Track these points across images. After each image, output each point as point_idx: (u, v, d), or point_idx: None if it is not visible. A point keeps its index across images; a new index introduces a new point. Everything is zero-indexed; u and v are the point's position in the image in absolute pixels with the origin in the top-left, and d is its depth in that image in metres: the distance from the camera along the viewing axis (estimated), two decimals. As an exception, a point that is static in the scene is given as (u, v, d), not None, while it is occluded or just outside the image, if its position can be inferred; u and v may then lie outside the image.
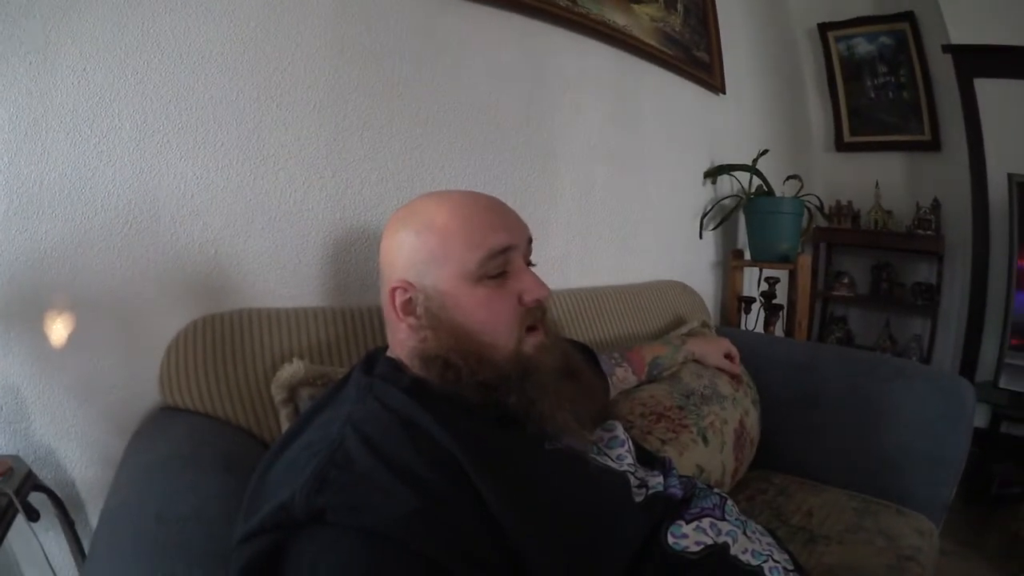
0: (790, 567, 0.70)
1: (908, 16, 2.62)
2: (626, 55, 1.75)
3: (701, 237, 2.15)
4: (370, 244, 1.14)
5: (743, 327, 2.24)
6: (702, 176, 2.16)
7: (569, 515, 0.61)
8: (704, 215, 2.14)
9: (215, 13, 0.95)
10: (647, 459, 0.81)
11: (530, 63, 1.47)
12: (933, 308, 2.68)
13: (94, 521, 0.86)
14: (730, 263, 2.27)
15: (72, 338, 0.84)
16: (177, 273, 0.93)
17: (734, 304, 2.25)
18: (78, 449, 0.86)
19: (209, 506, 0.64)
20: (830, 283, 3.00)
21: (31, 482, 0.75)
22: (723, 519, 0.72)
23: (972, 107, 2.42)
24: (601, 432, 0.79)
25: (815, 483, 1.32)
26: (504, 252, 0.68)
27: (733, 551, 0.67)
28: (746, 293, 2.28)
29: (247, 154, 1.00)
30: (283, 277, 1.05)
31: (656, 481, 0.74)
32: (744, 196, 2.18)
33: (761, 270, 2.27)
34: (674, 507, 0.72)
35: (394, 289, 0.69)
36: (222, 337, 0.89)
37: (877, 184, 2.83)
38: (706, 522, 0.70)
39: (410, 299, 0.69)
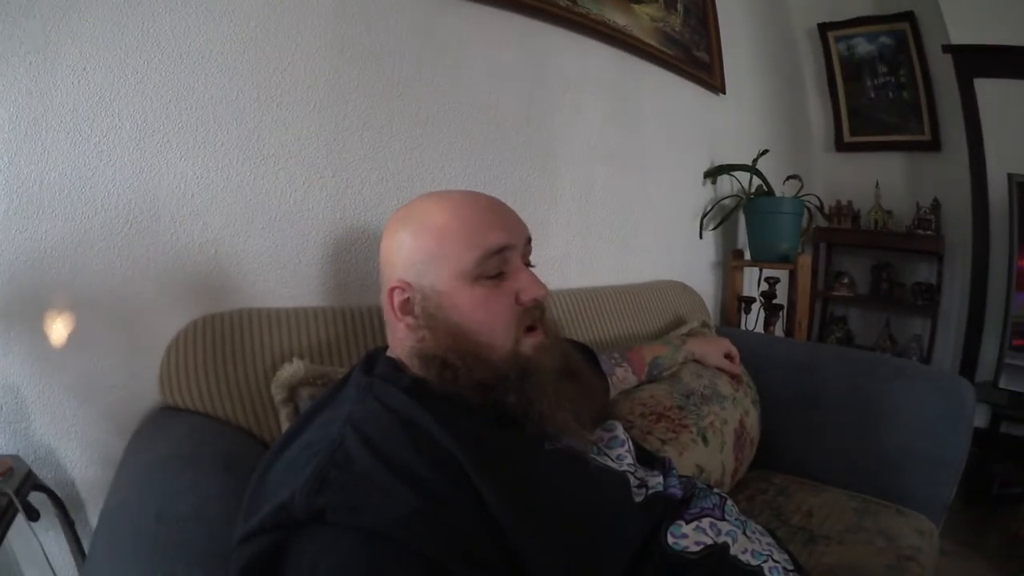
0: (790, 567, 0.70)
1: (908, 16, 2.62)
2: (626, 55, 1.75)
3: (701, 237, 2.15)
4: (370, 244, 1.14)
5: (743, 327, 2.24)
6: (702, 176, 2.16)
7: (569, 515, 0.61)
8: (704, 215, 2.14)
9: (215, 13, 0.95)
10: (647, 459, 0.81)
11: (530, 63, 1.47)
12: (933, 308, 2.68)
13: (94, 521, 0.86)
14: (730, 263, 2.27)
15: (72, 338, 0.84)
16: (177, 273, 0.93)
17: (734, 304, 2.25)
18: (78, 449, 0.87)
19: (209, 506, 0.64)
20: (830, 283, 3.00)
21: (31, 482, 0.75)
22: (723, 519, 0.72)
23: (972, 107, 2.42)
24: (601, 432, 0.79)
25: (815, 483, 1.32)
26: (501, 252, 0.68)
27: (733, 551, 0.67)
28: (746, 293, 2.28)
29: (247, 154, 1.00)
30: (283, 277, 1.05)
31: (656, 481, 0.74)
32: (744, 196, 2.18)
33: (761, 270, 2.27)
34: (674, 507, 0.72)
35: (392, 289, 0.70)
36: (222, 337, 0.89)
37: (877, 184, 2.83)
38: (706, 522, 0.70)
39: (408, 299, 0.69)
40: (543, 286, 0.71)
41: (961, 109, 2.45)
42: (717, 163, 2.19)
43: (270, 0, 1.01)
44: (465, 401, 0.64)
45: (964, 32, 2.39)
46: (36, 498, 0.76)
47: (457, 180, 1.30)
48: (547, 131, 1.52)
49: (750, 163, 2.12)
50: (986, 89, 2.39)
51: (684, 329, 1.52)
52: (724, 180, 2.25)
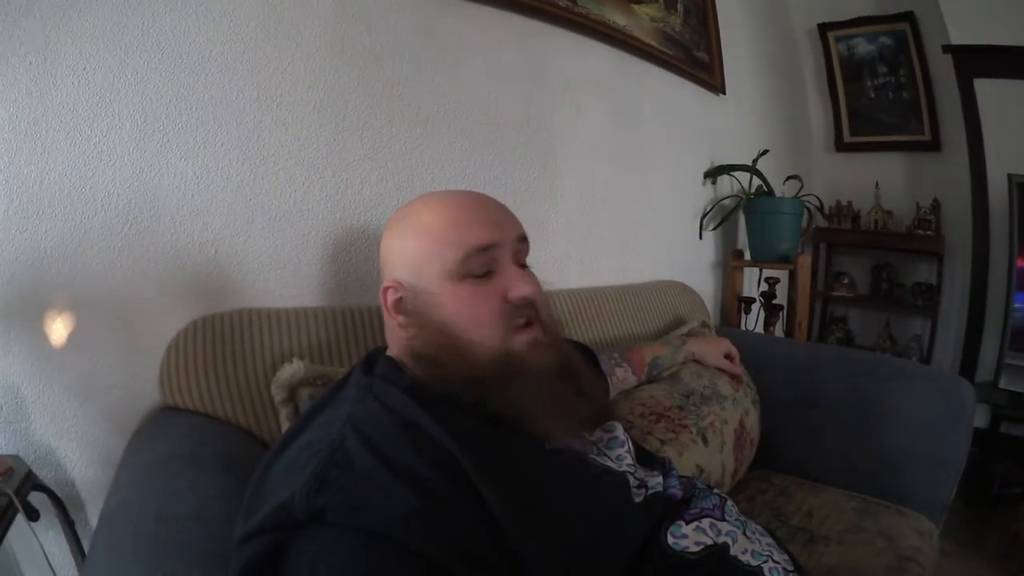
0: (790, 567, 0.70)
1: (908, 16, 2.62)
2: (626, 55, 1.75)
3: (701, 237, 2.16)
4: (370, 244, 1.14)
5: (743, 327, 2.24)
6: (702, 176, 2.16)
7: (568, 515, 0.61)
8: (704, 215, 2.14)
9: (215, 13, 0.95)
10: (647, 459, 0.81)
11: (530, 63, 1.47)
12: (933, 308, 2.68)
13: (94, 521, 0.86)
14: (730, 263, 2.27)
15: (72, 338, 0.84)
16: (177, 273, 0.93)
17: (734, 304, 2.25)
18: (78, 449, 0.86)
19: (209, 506, 0.64)
20: (830, 283, 3.00)
21: (31, 482, 0.75)
22: (723, 519, 0.72)
23: (972, 107, 2.42)
24: (600, 432, 0.79)
25: (815, 483, 1.32)
26: (487, 250, 0.68)
27: (733, 551, 0.67)
28: (746, 293, 2.28)
29: (247, 154, 1.00)
30: (283, 277, 1.05)
31: (656, 481, 0.74)
32: (744, 196, 2.18)
33: (761, 270, 2.27)
34: (674, 507, 0.72)
35: (386, 288, 0.72)
36: (222, 337, 0.89)
37: (877, 184, 2.83)
38: (706, 522, 0.70)
39: (401, 298, 0.70)
40: (533, 284, 0.70)
41: (961, 109, 2.45)
42: (717, 163, 2.19)
43: (270, 0, 1.01)
44: (462, 400, 0.64)
45: (964, 32, 2.39)
46: (36, 498, 0.76)
47: (457, 180, 1.30)
48: (547, 131, 1.52)
49: (750, 163, 2.12)
50: (986, 89, 2.39)
51: (684, 329, 1.52)
52: (724, 180, 2.25)
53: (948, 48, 2.42)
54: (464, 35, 1.32)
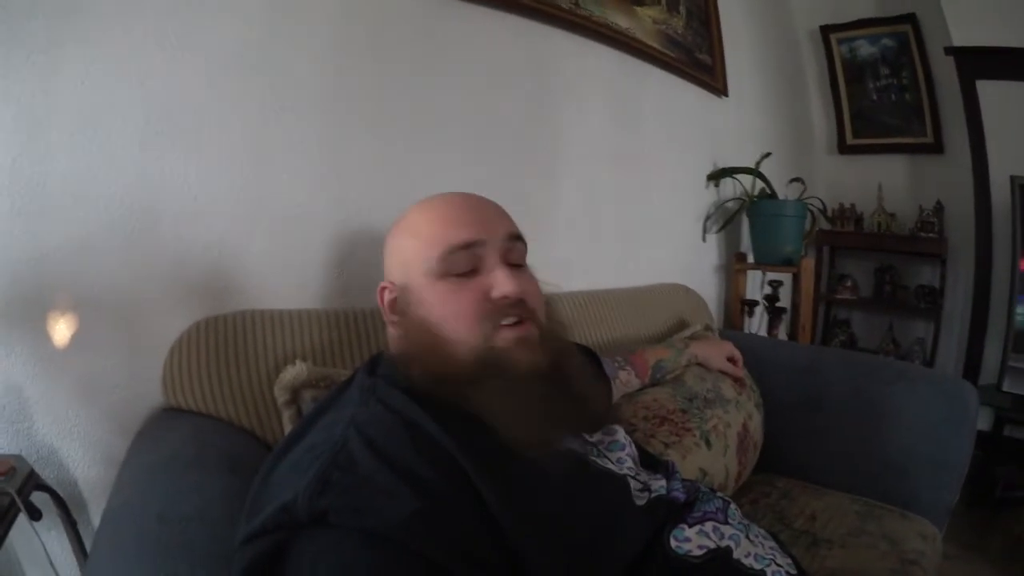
0: (793, 571, 0.69)
1: (910, 18, 2.62)
2: (628, 57, 1.75)
3: (704, 240, 2.15)
4: (373, 246, 1.13)
5: (746, 330, 2.24)
6: (705, 178, 2.16)
7: (568, 516, 0.61)
8: (707, 218, 2.14)
9: (219, 14, 0.95)
10: (650, 463, 0.81)
11: (533, 65, 1.47)
12: (936, 311, 2.67)
13: (96, 521, 0.86)
14: (733, 266, 2.27)
15: (75, 338, 0.84)
16: (180, 274, 0.93)
17: (737, 307, 2.24)
18: (81, 449, 0.86)
19: (212, 507, 0.64)
20: (833, 286, 3.00)
21: (33, 481, 0.75)
22: (726, 523, 0.72)
23: (974, 109, 2.42)
24: (601, 435, 0.79)
25: (818, 487, 1.32)
26: (469, 248, 0.69)
27: (736, 555, 0.67)
28: (749, 296, 2.28)
29: (250, 155, 1.00)
30: (286, 278, 1.05)
31: (659, 485, 0.74)
32: (747, 199, 2.18)
33: (764, 273, 2.26)
34: (677, 511, 0.71)
35: (382, 289, 0.75)
36: (225, 338, 0.89)
37: (880, 187, 2.83)
38: (709, 526, 0.70)
39: (396, 298, 0.72)
40: (519, 282, 0.69)
41: (963, 111, 2.45)
42: (720, 165, 2.19)
43: (274, 3, 1.02)
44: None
45: (966, 34, 2.39)
46: (38, 498, 0.76)
47: (459, 182, 1.28)
48: (549, 133, 1.52)
49: (752, 165, 2.12)
50: (988, 91, 2.39)
51: (687, 332, 1.52)
52: (727, 182, 2.25)
53: (950, 50, 2.42)
54: (467, 37, 1.32)
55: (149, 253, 0.90)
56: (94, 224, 0.85)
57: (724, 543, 0.68)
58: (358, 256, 1.13)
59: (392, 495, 0.51)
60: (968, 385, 1.34)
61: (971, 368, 2.50)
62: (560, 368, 0.70)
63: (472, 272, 0.69)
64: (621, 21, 1.69)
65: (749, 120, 2.44)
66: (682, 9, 1.97)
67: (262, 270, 1.02)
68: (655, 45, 1.83)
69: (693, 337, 1.46)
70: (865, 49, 2.80)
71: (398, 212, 0.79)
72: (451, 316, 0.67)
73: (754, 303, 2.24)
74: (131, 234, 0.88)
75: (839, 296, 2.96)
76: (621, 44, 1.70)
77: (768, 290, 2.19)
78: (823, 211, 2.35)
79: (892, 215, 2.81)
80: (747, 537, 0.71)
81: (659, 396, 1.17)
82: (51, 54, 0.80)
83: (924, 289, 2.75)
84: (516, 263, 0.73)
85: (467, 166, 1.33)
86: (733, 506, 0.77)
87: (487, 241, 0.70)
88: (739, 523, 0.73)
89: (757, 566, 0.67)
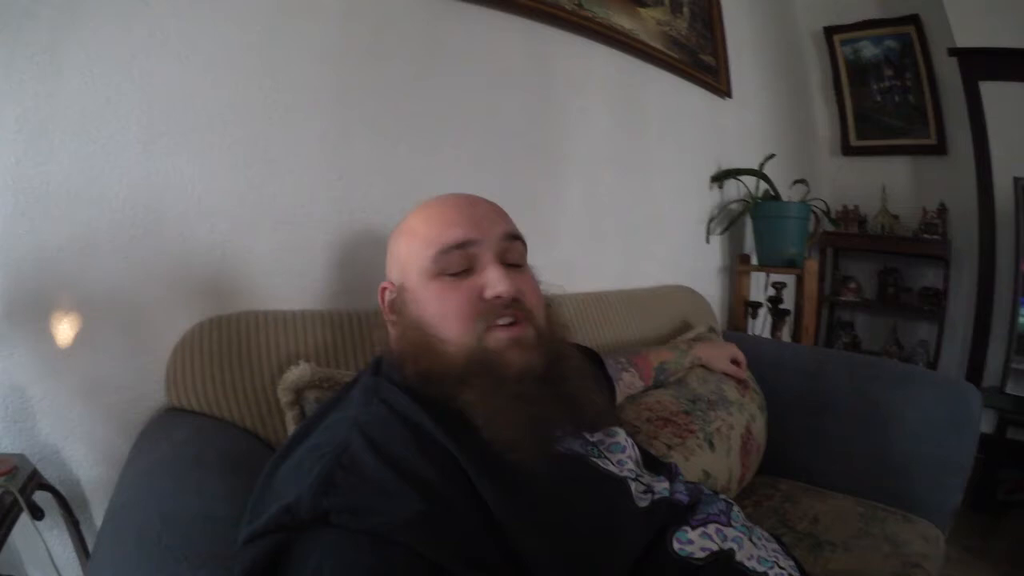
0: (796, 574, 0.69)
1: (913, 19, 2.62)
2: (632, 59, 1.75)
3: (708, 241, 2.15)
4: (376, 247, 1.13)
5: (750, 332, 2.23)
6: (708, 180, 2.16)
7: (569, 517, 0.61)
8: (711, 219, 2.14)
9: (222, 15, 0.96)
10: (653, 465, 0.81)
11: (536, 67, 1.47)
12: (940, 313, 2.66)
13: (98, 520, 0.86)
14: (737, 268, 2.27)
15: (78, 338, 0.84)
16: (184, 274, 0.93)
17: (741, 309, 2.24)
18: (83, 448, 0.87)
19: (214, 507, 0.64)
20: (837, 288, 2.99)
21: (36, 481, 0.76)
22: (729, 525, 0.71)
23: (978, 110, 2.41)
24: (602, 436, 0.79)
25: (821, 489, 1.32)
26: (462, 248, 0.69)
27: (739, 557, 0.67)
28: (753, 298, 2.28)
29: (254, 156, 1.00)
30: (290, 279, 1.05)
31: (662, 487, 0.74)
32: (751, 200, 2.18)
33: (768, 275, 2.26)
34: (680, 513, 0.71)
35: (382, 289, 0.76)
36: (228, 339, 0.89)
37: (883, 188, 2.82)
38: (712, 528, 0.69)
39: (395, 298, 0.73)
40: (513, 282, 0.68)
41: (967, 112, 2.44)
42: (723, 167, 2.18)
43: (278, 3, 1.02)
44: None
45: (970, 35, 2.38)
46: (41, 497, 0.76)
47: (462, 183, 1.29)
48: (553, 134, 1.52)
49: (756, 167, 2.12)
50: (992, 92, 2.38)
51: (691, 334, 1.52)
52: (730, 184, 2.24)
53: (954, 51, 2.41)
54: (470, 38, 1.32)
55: (153, 254, 0.90)
56: (97, 224, 0.85)
57: (727, 545, 0.68)
58: (361, 257, 1.13)
59: (395, 496, 0.51)
60: (971, 387, 1.33)
61: (974, 370, 2.50)
62: (556, 369, 0.70)
63: (466, 272, 0.69)
64: (624, 22, 1.69)
65: (752, 122, 2.43)
66: (685, 10, 1.97)
67: (266, 271, 1.02)
68: (658, 46, 1.83)
69: (697, 339, 1.46)
70: (868, 50, 2.80)
71: (400, 213, 0.80)
72: (444, 315, 0.67)
73: (757, 305, 2.23)
74: (134, 235, 0.88)
75: (843, 298, 2.95)
76: (624, 45, 1.70)
77: (772, 292, 2.19)
78: (827, 213, 2.35)
79: (896, 217, 2.81)
80: (750, 539, 0.70)
81: (662, 398, 1.17)
82: (54, 54, 0.80)
83: (928, 291, 2.75)
84: (514, 263, 0.72)
85: (469, 167, 1.33)
86: (736, 508, 0.76)
87: (481, 240, 0.70)
88: (742, 525, 0.73)
89: (760, 568, 0.66)
